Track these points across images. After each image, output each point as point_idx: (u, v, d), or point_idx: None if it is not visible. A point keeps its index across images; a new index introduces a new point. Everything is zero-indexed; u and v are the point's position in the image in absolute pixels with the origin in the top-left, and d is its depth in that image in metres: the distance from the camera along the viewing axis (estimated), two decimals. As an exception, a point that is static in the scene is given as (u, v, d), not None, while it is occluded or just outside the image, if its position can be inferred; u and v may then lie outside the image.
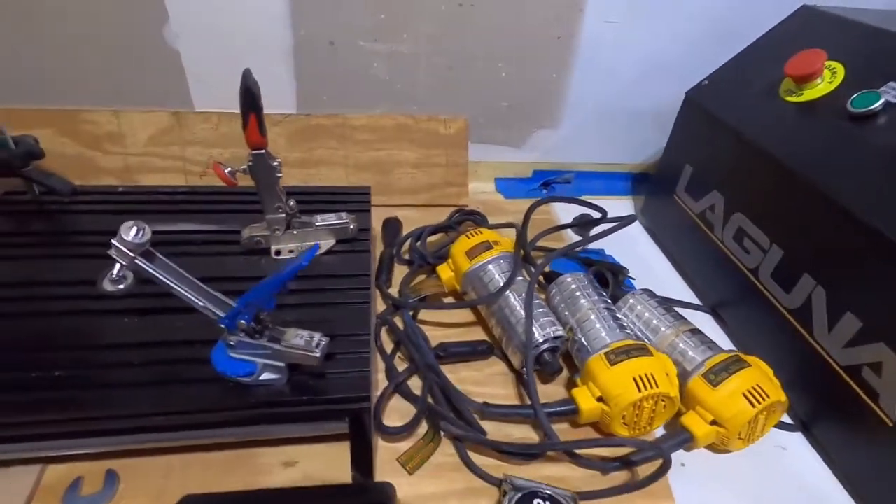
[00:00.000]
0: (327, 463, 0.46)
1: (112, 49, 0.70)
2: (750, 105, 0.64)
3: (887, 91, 0.51)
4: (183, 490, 0.39)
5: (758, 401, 0.46)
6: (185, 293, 0.36)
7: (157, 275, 0.35)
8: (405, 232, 0.74)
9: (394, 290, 0.64)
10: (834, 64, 0.57)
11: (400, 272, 0.68)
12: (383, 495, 0.33)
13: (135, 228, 0.33)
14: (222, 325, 0.36)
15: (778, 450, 0.52)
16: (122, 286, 0.37)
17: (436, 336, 0.59)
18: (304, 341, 0.37)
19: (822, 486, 0.49)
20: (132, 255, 0.34)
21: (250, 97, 0.41)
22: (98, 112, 0.73)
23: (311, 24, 0.71)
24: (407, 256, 0.71)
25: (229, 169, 0.45)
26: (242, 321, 0.35)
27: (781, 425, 0.53)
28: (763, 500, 0.48)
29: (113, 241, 0.34)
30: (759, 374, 0.48)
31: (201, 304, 0.36)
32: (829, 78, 0.57)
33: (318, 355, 0.36)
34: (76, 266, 0.49)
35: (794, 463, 0.51)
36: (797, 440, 0.53)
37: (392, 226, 0.74)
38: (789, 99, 0.59)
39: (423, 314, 0.63)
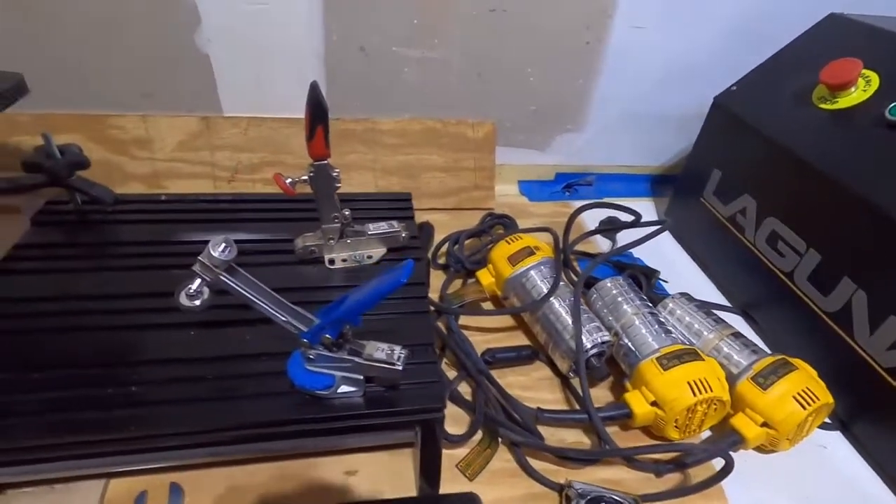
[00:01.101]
0: (388, 471, 0.46)
1: (142, 53, 0.69)
2: (782, 111, 0.65)
3: (925, 100, 0.53)
4: (249, 500, 0.39)
5: (808, 403, 0.48)
6: (268, 307, 0.36)
7: (240, 290, 0.35)
8: (436, 236, 0.75)
9: (432, 295, 0.65)
10: (868, 73, 0.58)
11: (435, 277, 0.69)
12: (475, 505, 0.34)
13: (223, 245, 0.33)
14: (304, 340, 0.36)
15: (819, 448, 0.54)
16: (198, 302, 0.36)
17: (477, 341, 0.60)
18: (386, 354, 0.37)
19: (864, 484, 0.51)
20: (217, 270, 0.34)
21: (319, 110, 0.41)
22: (126, 117, 0.72)
23: (343, 29, 0.71)
24: (442, 261, 0.71)
25: (290, 179, 0.45)
26: (327, 336, 0.35)
27: (821, 425, 0.55)
28: (812, 498, 0.49)
29: (199, 258, 0.33)
30: (806, 377, 0.50)
31: (284, 318, 0.36)
32: (863, 86, 0.58)
33: (400, 368, 0.37)
34: (128, 278, 0.48)
35: (836, 461, 0.53)
36: (837, 438, 0.55)
37: (426, 231, 0.74)
38: (823, 106, 0.61)
39: (464, 319, 0.63)
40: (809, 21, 0.70)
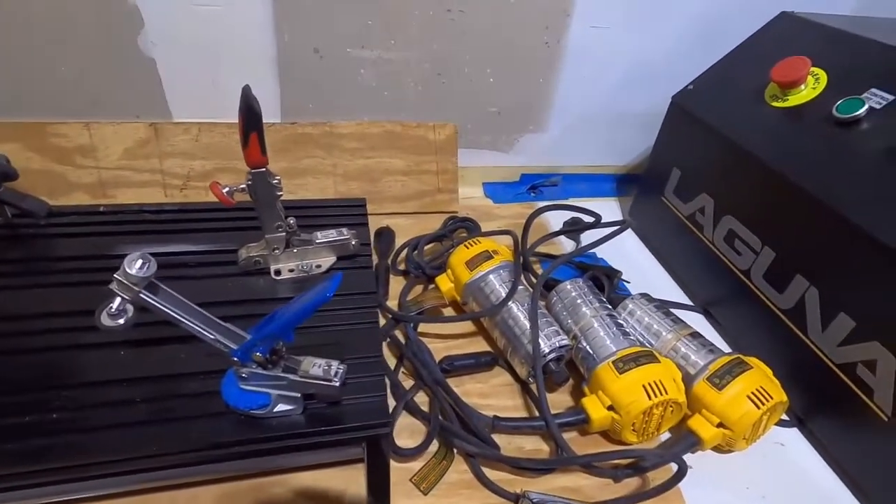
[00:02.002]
0: (337, 488, 0.45)
1: (83, 58, 0.66)
2: (736, 109, 0.65)
3: (870, 97, 0.53)
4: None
5: (762, 402, 0.48)
6: (194, 326, 0.34)
7: (162, 308, 0.33)
8: (398, 240, 0.73)
9: (391, 303, 0.63)
10: (817, 70, 0.59)
11: (395, 283, 0.67)
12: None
13: (140, 261, 0.31)
14: (235, 358, 0.34)
15: (777, 446, 0.54)
16: (122, 321, 0.34)
17: (437, 348, 0.58)
18: (323, 370, 0.35)
19: (822, 479, 0.51)
20: (137, 288, 0.32)
21: (252, 116, 0.39)
22: (68, 125, 0.69)
23: (294, 30, 0.69)
24: (402, 267, 0.70)
25: (227, 188, 0.43)
26: (258, 353, 0.34)
27: (778, 422, 0.55)
28: (770, 498, 0.49)
29: (115, 276, 0.31)
30: (761, 376, 0.50)
31: (212, 336, 0.34)
32: (812, 84, 0.59)
33: (337, 384, 0.35)
34: (61, 295, 0.46)
35: (794, 458, 0.53)
36: (794, 435, 0.55)
37: (385, 236, 0.73)
38: (775, 104, 0.61)
39: (423, 326, 0.62)
40: (765, 19, 0.71)
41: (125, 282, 0.31)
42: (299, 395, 0.37)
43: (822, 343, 0.51)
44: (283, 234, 0.48)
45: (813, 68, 0.59)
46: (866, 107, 0.52)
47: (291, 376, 0.35)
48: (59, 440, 0.35)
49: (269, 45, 0.70)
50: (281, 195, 0.46)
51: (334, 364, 0.36)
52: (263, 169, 0.43)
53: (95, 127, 0.69)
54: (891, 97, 0.52)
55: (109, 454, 0.35)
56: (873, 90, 0.54)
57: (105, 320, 0.34)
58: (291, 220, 0.48)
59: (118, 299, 0.33)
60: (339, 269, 0.52)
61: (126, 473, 0.36)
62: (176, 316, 0.33)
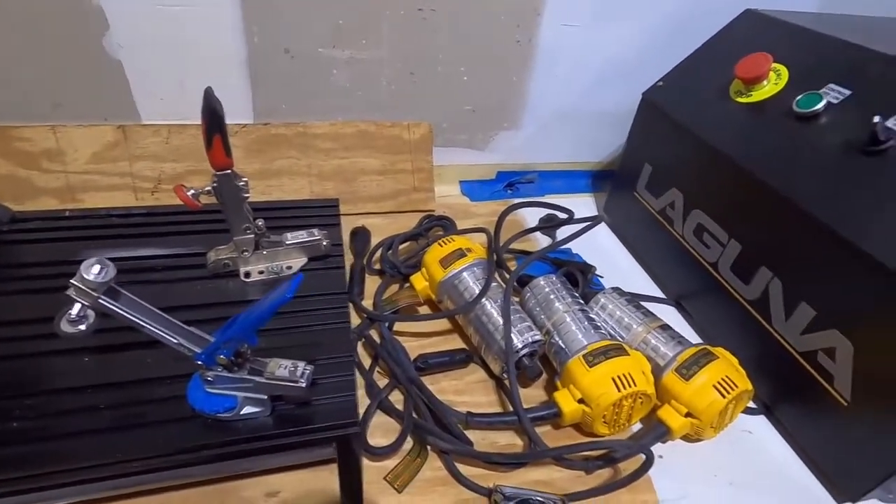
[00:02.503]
0: (310, 490, 0.45)
1: (46, 61, 0.64)
2: (703, 106, 0.66)
3: (828, 92, 0.54)
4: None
5: (727, 391, 0.49)
6: (156, 330, 0.33)
7: (123, 313, 0.32)
8: (374, 240, 0.73)
9: (367, 302, 0.63)
10: (779, 66, 0.60)
11: (371, 282, 0.67)
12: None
13: (97, 266, 0.31)
14: (199, 362, 0.34)
15: (745, 434, 0.55)
16: (83, 327, 0.34)
17: (412, 347, 0.59)
18: (289, 371, 0.35)
19: (787, 464, 0.53)
20: (95, 294, 0.31)
21: (214, 117, 0.39)
22: (33, 128, 0.67)
23: (264, 31, 0.69)
24: (378, 267, 0.70)
25: (192, 191, 0.43)
26: (222, 356, 0.34)
27: (746, 410, 0.56)
28: (737, 484, 0.50)
29: (72, 281, 0.31)
30: (726, 366, 0.51)
31: (175, 340, 0.34)
32: (774, 80, 0.60)
33: (304, 385, 0.35)
34: (24, 302, 0.45)
35: (761, 445, 0.54)
36: (761, 423, 0.57)
37: (361, 236, 0.73)
38: (739, 100, 0.62)
39: (399, 325, 0.62)
40: (732, 16, 0.72)
41: (83, 287, 0.31)
42: (266, 397, 0.37)
43: (786, 332, 0.53)
44: (252, 235, 0.48)
45: (775, 64, 0.60)
46: (824, 102, 0.54)
47: (257, 378, 0.35)
48: (20, 449, 0.35)
49: (239, 46, 0.69)
50: (248, 197, 0.46)
51: (301, 365, 0.36)
52: (229, 171, 0.43)
53: (62, 130, 0.68)
54: (848, 92, 0.54)
55: (72, 462, 0.34)
56: (831, 85, 0.55)
57: (65, 327, 0.34)
58: (260, 222, 0.48)
59: (77, 305, 0.33)
60: (310, 270, 0.52)
61: (91, 481, 0.35)
62: (138, 321, 0.33)
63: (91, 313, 0.34)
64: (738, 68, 0.61)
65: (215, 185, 0.43)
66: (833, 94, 0.54)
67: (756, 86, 0.61)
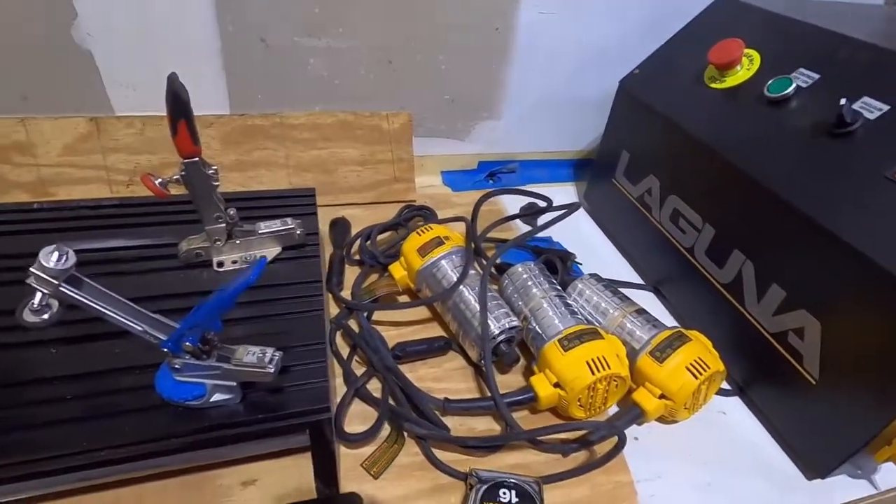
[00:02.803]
0: (289, 477, 0.45)
1: (13, 52, 0.63)
2: (678, 92, 0.67)
3: (798, 76, 0.55)
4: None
5: (700, 372, 0.49)
6: (121, 318, 0.33)
7: (86, 301, 0.32)
8: (355, 231, 0.73)
9: (346, 293, 0.63)
10: (751, 52, 0.61)
11: (351, 273, 0.67)
12: (352, 506, 0.33)
13: (56, 253, 0.30)
14: (165, 349, 0.34)
15: (719, 415, 0.56)
16: (46, 316, 0.34)
17: (392, 336, 0.59)
18: (257, 358, 0.35)
19: (759, 443, 0.54)
20: (56, 282, 0.31)
21: (178, 103, 0.39)
22: (1, 121, 0.66)
23: (238, 20, 0.68)
24: (357, 257, 0.69)
25: (160, 180, 0.42)
26: (188, 343, 0.33)
27: (720, 391, 0.57)
28: (710, 462, 0.51)
29: (31, 269, 0.31)
30: (699, 348, 0.52)
31: (140, 328, 0.33)
32: (747, 65, 0.61)
33: (271, 371, 0.35)
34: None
35: (734, 425, 0.55)
36: (735, 404, 0.58)
37: (340, 226, 0.72)
38: (713, 86, 0.63)
39: (379, 314, 0.62)
40: (709, 3, 0.73)
41: (42, 275, 0.31)
42: (235, 384, 0.36)
43: (758, 314, 0.54)
44: (224, 225, 0.47)
45: (747, 50, 0.61)
46: (794, 86, 0.54)
47: (225, 365, 0.35)
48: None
49: (213, 36, 0.68)
50: (218, 185, 0.45)
51: (269, 351, 0.36)
52: (196, 158, 0.43)
53: (32, 122, 0.67)
54: (817, 76, 0.54)
55: (39, 453, 0.34)
56: (801, 70, 0.56)
57: (27, 316, 0.33)
58: (232, 211, 0.47)
59: (39, 294, 0.32)
60: (285, 259, 0.52)
61: (59, 472, 0.35)
62: (101, 309, 0.33)
63: (54, 303, 0.34)
64: (711, 54, 0.62)
65: (183, 173, 0.43)
66: (803, 78, 0.55)
67: (729, 71, 0.61)
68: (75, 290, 0.32)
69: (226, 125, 0.73)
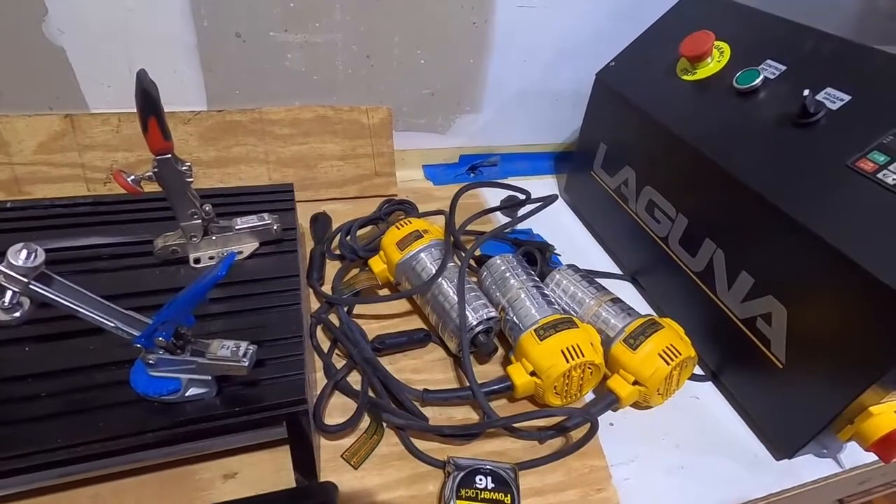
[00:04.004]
0: (269, 470, 0.45)
1: (-18, 48, 0.62)
2: (652, 84, 0.68)
3: (766, 68, 0.56)
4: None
5: (671, 358, 0.51)
6: (92, 315, 0.33)
7: (56, 299, 0.32)
8: (336, 226, 0.73)
9: (327, 287, 0.64)
10: (721, 44, 0.62)
11: (332, 268, 0.68)
12: (325, 495, 0.33)
13: (24, 251, 0.30)
14: (138, 345, 0.34)
15: (693, 400, 0.58)
16: (17, 314, 0.34)
17: (373, 329, 0.59)
18: (231, 352, 0.36)
19: (731, 427, 0.55)
20: (25, 280, 0.31)
21: (148, 100, 0.39)
22: (-28, 119, 0.65)
23: (213, 15, 0.67)
24: (338, 252, 0.70)
25: (133, 177, 0.42)
26: (161, 338, 0.34)
27: (694, 377, 0.59)
28: (683, 446, 0.53)
29: (0, 268, 0.31)
30: (671, 334, 0.53)
31: (112, 324, 0.34)
32: (717, 57, 0.62)
33: (246, 364, 0.35)
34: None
35: (707, 409, 0.57)
36: (708, 389, 0.59)
37: (321, 221, 0.73)
38: (685, 78, 0.64)
39: (359, 308, 0.62)
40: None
41: (11, 273, 0.31)
42: (211, 377, 0.37)
43: (729, 300, 0.55)
44: (199, 221, 0.47)
45: (718, 42, 0.62)
46: (762, 77, 0.55)
47: (199, 359, 0.35)
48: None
49: (188, 30, 0.68)
50: (191, 181, 0.45)
51: (243, 345, 0.36)
52: (169, 155, 0.43)
53: (4, 120, 0.66)
54: (783, 67, 0.55)
55: (14, 450, 0.34)
56: (769, 61, 0.57)
57: (-1, 314, 0.33)
58: (207, 207, 0.48)
59: (9, 292, 0.32)
60: (262, 255, 0.52)
61: (37, 469, 0.35)
62: (72, 306, 0.33)
63: (25, 301, 0.34)
64: (683, 46, 0.63)
65: (156, 170, 0.43)
66: (770, 69, 0.56)
67: (700, 63, 0.62)
68: (46, 288, 0.32)
69: (204, 121, 0.73)
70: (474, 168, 0.94)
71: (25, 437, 0.35)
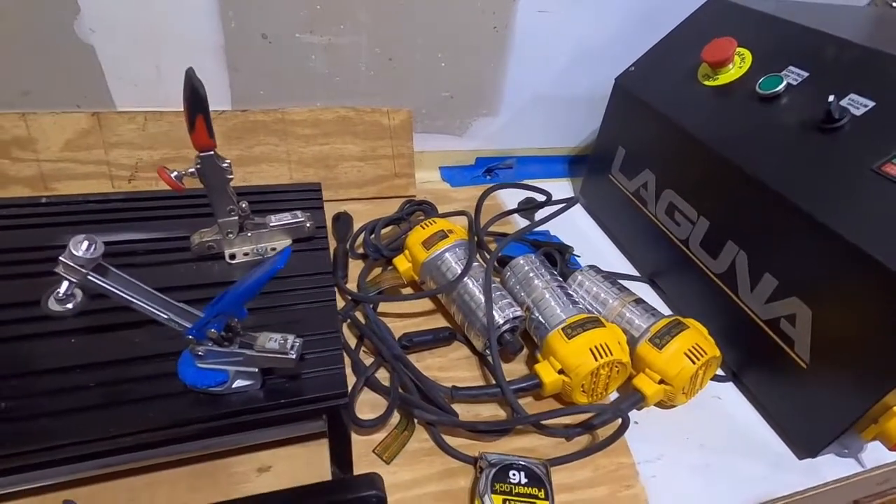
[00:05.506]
0: (302, 464, 0.46)
1: (14, 46, 0.63)
2: (673, 89, 0.69)
3: (788, 74, 0.57)
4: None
5: (697, 357, 0.51)
6: (147, 306, 0.34)
7: (113, 290, 0.33)
8: (356, 225, 0.74)
9: (350, 285, 0.64)
10: (743, 50, 0.63)
11: (354, 266, 0.68)
12: (373, 485, 0.34)
13: (86, 242, 0.31)
14: (190, 336, 0.35)
15: (714, 399, 0.58)
16: (70, 305, 0.34)
17: (397, 327, 0.60)
18: (279, 344, 0.36)
19: (753, 426, 0.56)
20: (84, 270, 0.32)
21: (197, 98, 0.39)
22: (1, 115, 0.66)
23: (241, 16, 0.68)
24: (361, 250, 0.71)
25: (176, 173, 0.43)
26: (213, 330, 0.34)
27: (715, 377, 0.60)
28: (706, 446, 0.53)
29: (61, 258, 0.31)
30: (696, 334, 0.54)
31: (165, 316, 0.34)
32: (739, 63, 0.63)
33: (293, 357, 0.36)
34: (6, 287, 0.45)
35: (729, 409, 0.58)
36: (729, 389, 0.60)
37: (343, 220, 0.73)
38: (707, 83, 0.65)
39: (383, 306, 0.63)
40: (701, 2, 0.75)
41: (71, 264, 0.31)
42: (257, 370, 0.37)
43: (751, 302, 0.56)
44: (236, 218, 0.48)
45: (739, 48, 0.63)
46: (784, 83, 0.57)
47: (248, 351, 0.36)
48: (7, 428, 0.35)
49: (215, 31, 0.69)
50: (231, 178, 0.46)
51: (290, 338, 0.37)
52: (211, 152, 0.43)
53: (32, 118, 0.67)
54: (806, 74, 0.57)
55: (64, 438, 0.35)
56: (791, 68, 0.58)
57: (53, 305, 0.34)
58: (244, 204, 0.48)
59: (65, 283, 0.33)
60: (295, 252, 0.53)
61: (85, 458, 0.36)
62: (127, 297, 0.34)
63: (78, 292, 0.34)
64: (705, 53, 0.64)
65: (198, 166, 0.44)
66: (793, 76, 0.57)
67: (722, 69, 0.64)
68: (102, 279, 0.33)
69: (228, 121, 0.74)
70: (490, 170, 0.95)
71: (77, 427, 0.35)
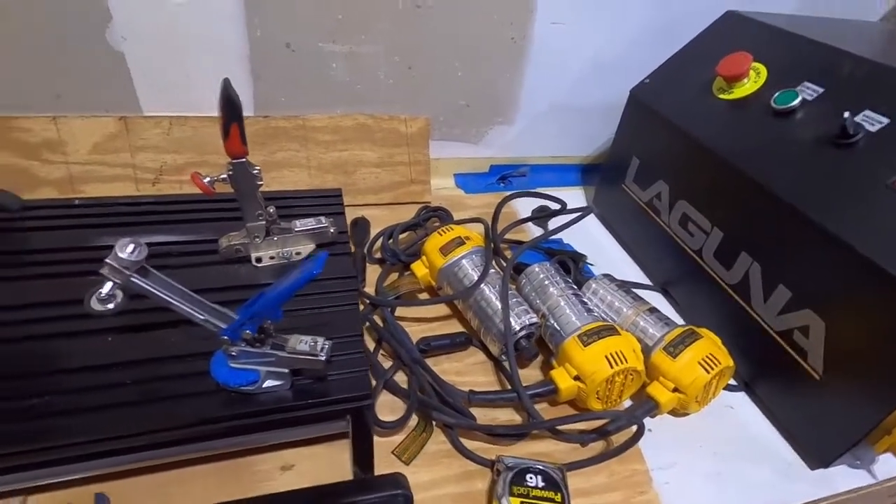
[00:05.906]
0: (324, 464, 0.47)
1: (48, 52, 0.65)
2: (688, 102, 0.70)
3: (803, 90, 0.58)
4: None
5: (711, 367, 0.52)
6: (185, 307, 0.35)
7: (154, 291, 0.34)
8: (373, 230, 0.76)
9: (368, 289, 0.66)
10: (758, 65, 0.64)
11: (372, 271, 0.70)
12: (400, 485, 0.35)
13: (131, 245, 0.32)
14: (224, 337, 0.36)
15: (727, 409, 0.59)
16: (111, 305, 0.36)
17: (414, 331, 0.61)
18: (309, 346, 0.38)
19: (765, 435, 0.57)
20: (128, 272, 0.33)
21: (232, 107, 0.41)
22: (33, 119, 0.68)
23: (266, 25, 0.70)
24: (378, 255, 0.72)
25: (208, 178, 0.45)
26: (248, 331, 0.36)
27: (727, 387, 0.60)
28: (718, 454, 0.54)
29: (107, 260, 0.33)
30: (710, 344, 0.55)
31: (202, 317, 0.36)
32: (754, 78, 0.64)
33: (323, 359, 0.37)
34: (41, 287, 0.46)
35: (741, 419, 0.58)
36: (742, 399, 0.61)
37: (361, 226, 0.75)
38: (722, 96, 0.66)
39: (401, 310, 0.64)
40: (713, 17, 0.76)
41: (117, 266, 0.33)
42: (287, 371, 0.39)
43: (764, 313, 0.57)
44: (264, 222, 0.50)
45: (754, 63, 0.64)
46: (800, 98, 0.58)
47: (279, 353, 0.37)
48: (45, 423, 0.36)
49: (241, 40, 0.71)
50: (261, 184, 0.48)
51: (320, 340, 0.38)
52: (244, 159, 0.45)
53: (63, 121, 0.69)
54: (821, 90, 0.58)
55: (100, 433, 0.36)
56: (806, 83, 0.59)
57: (95, 305, 0.36)
58: (271, 209, 0.50)
59: (109, 284, 0.35)
60: (318, 256, 0.54)
61: (119, 452, 0.37)
62: (167, 298, 0.35)
63: (119, 293, 0.36)
64: (720, 67, 0.65)
65: (230, 173, 0.45)
66: (808, 91, 0.58)
67: (737, 83, 0.65)
68: (144, 280, 0.34)
69: (250, 127, 0.75)
70: (504, 178, 0.96)
71: (112, 422, 0.36)
